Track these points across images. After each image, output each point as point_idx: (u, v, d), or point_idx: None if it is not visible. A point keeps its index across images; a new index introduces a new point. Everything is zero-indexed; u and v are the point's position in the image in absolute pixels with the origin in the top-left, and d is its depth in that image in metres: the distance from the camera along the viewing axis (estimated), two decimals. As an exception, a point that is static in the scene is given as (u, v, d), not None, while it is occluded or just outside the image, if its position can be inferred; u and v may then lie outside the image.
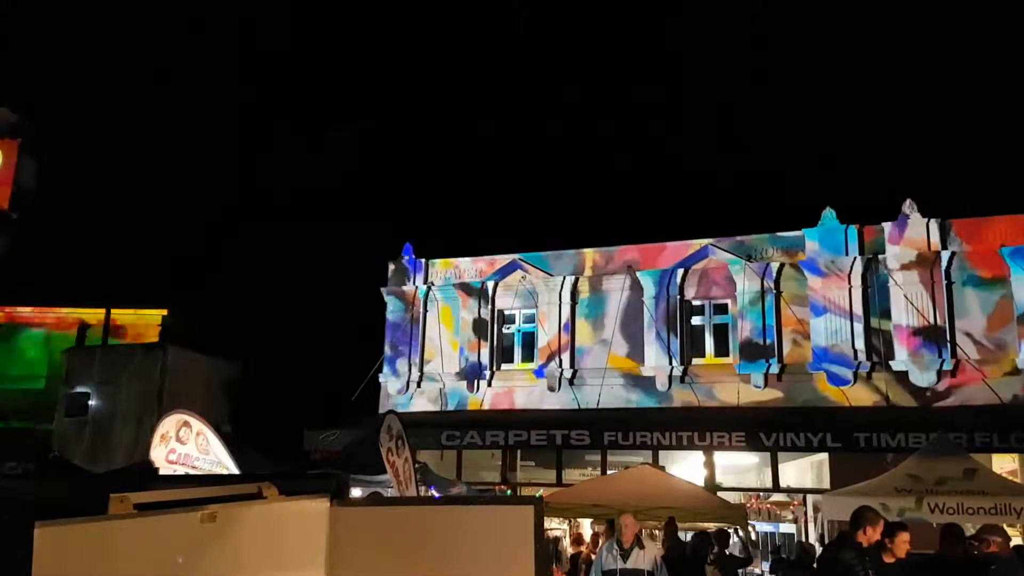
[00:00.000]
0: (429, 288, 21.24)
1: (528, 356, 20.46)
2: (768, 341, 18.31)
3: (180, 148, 45.87)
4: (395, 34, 55.17)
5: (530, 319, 20.63)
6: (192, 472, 11.06)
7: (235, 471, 11.02)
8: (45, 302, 27.99)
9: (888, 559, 6.59)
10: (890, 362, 17.43)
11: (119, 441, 20.52)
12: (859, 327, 17.70)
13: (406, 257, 21.78)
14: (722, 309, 19.23)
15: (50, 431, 22.90)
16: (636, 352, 19.34)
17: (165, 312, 27.32)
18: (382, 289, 21.66)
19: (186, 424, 11.98)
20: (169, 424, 12.08)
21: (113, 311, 25.66)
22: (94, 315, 26.64)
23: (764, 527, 18.44)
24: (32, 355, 27.97)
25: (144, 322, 27.12)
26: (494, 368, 20.42)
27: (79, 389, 22.19)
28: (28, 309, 28.22)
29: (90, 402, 21.93)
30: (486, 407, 20.05)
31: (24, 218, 30.80)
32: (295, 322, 30.74)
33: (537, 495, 13.54)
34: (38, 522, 2.53)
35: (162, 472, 11.12)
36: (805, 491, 17.88)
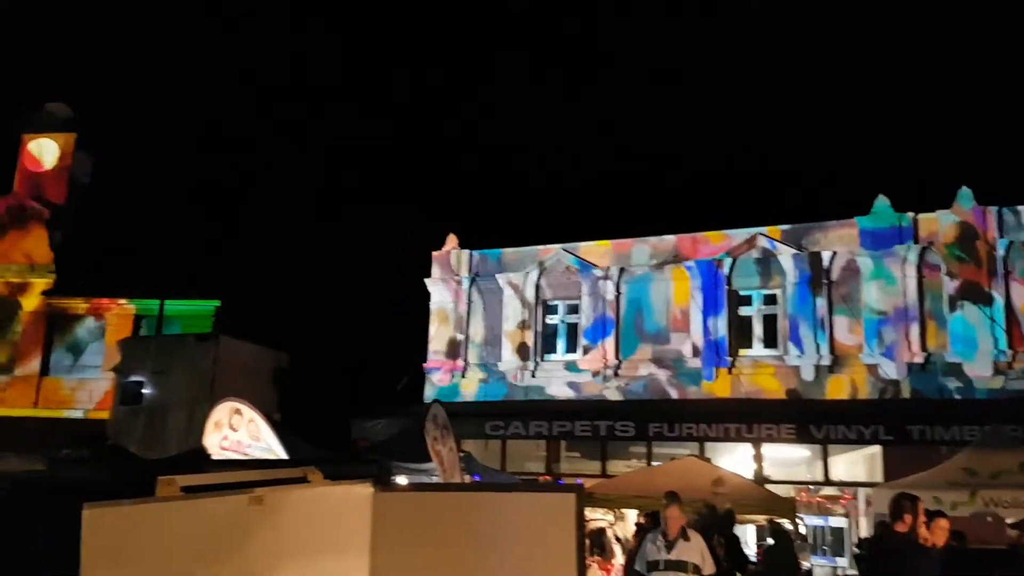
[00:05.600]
0: (473, 279, 21.30)
1: (572, 346, 20.40)
2: (819, 331, 17.98)
3: (228, 143, 46.62)
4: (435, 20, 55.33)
5: (574, 309, 20.56)
6: (243, 459, 11.24)
7: (285, 458, 11.18)
8: (101, 294, 28.71)
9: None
10: (944, 353, 17.00)
11: (173, 428, 20.98)
12: (913, 317, 17.29)
13: (449, 247, 21.86)
14: (771, 299, 18.93)
15: (106, 419, 23.54)
16: (682, 343, 19.15)
17: (218, 303, 27.83)
18: (426, 280, 21.78)
19: (238, 411, 12.17)
20: (222, 411, 12.29)
21: (167, 302, 26.22)
22: (149, 306, 27.26)
23: (814, 521, 18.19)
24: (88, 344, 28.74)
25: (197, 313, 27.67)
26: (538, 358, 20.40)
27: (134, 378, 22.72)
28: (85, 300, 28.99)
29: (144, 391, 22.44)
30: (530, 398, 20.06)
31: (80, 212, 31.61)
32: (342, 313, 31.06)
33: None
34: (87, 504, 2.60)
35: (215, 458, 11.32)
36: (856, 484, 17.56)
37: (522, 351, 20.43)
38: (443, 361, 21.07)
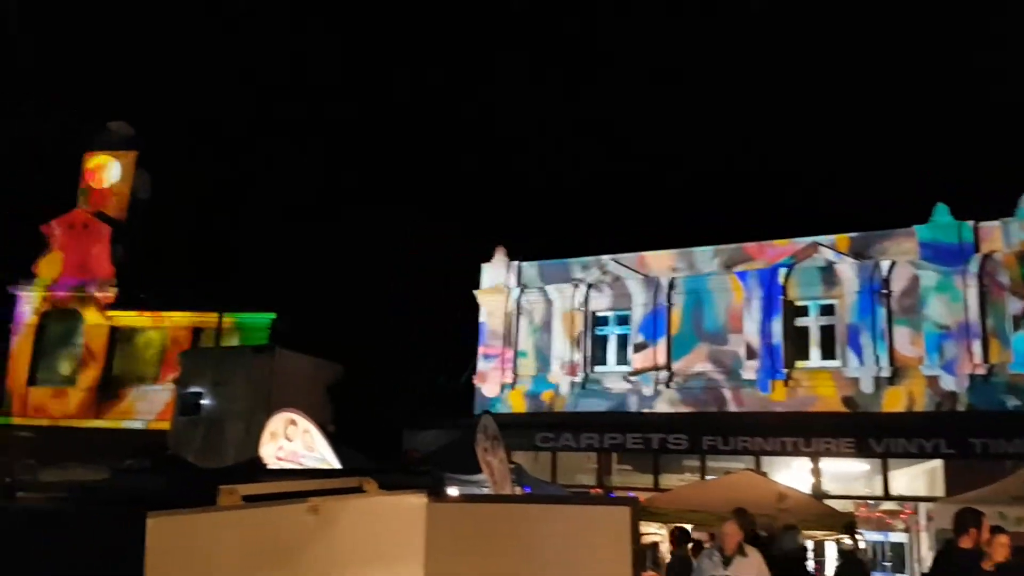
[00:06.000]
0: (522, 290, 21.32)
1: (622, 358, 20.26)
2: (877, 343, 17.57)
3: (281, 157, 47.52)
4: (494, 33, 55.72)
5: (624, 320, 20.42)
6: (298, 468, 11.40)
7: (339, 468, 11.31)
8: (162, 307, 29.46)
9: (986, 565, 6.24)
10: (1007, 364, 16.47)
11: (230, 439, 21.34)
12: (975, 327, 16.80)
13: (498, 260, 21.91)
14: (828, 310, 18.57)
15: (166, 430, 24.08)
16: (736, 354, 18.89)
17: (273, 316, 28.34)
18: (475, 292, 21.87)
19: (293, 422, 12.39)
20: (277, 422, 12.52)
21: (225, 315, 26.80)
22: (207, 319, 27.87)
23: (873, 536, 17.75)
24: (150, 357, 29.49)
25: (254, 326, 28.21)
26: (588, 370, 20.31)
27: (193, 389, 23.20)
28: (146, 313, 29.76)
29: (203, 401, 22.89)
30: (580, 409, 19.97)
31: (140, 228, 32.51)
32: (393, 325, 31.38)
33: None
34: (150, 513, 2.65)
35: (271, 468, 11.50)
36: (917, 499, 17.09)
37: (572, 361, 20.36)
38: (491, 373, 21.10)
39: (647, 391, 19.44)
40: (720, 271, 19.39)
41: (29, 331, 30.41)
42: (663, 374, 19.34)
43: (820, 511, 12.91)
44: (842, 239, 18.51)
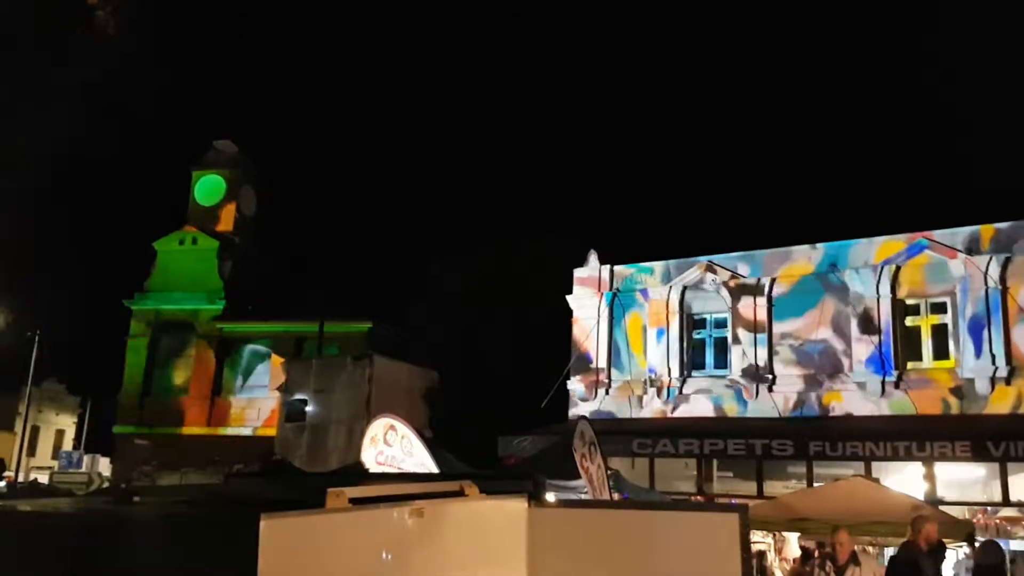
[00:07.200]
0: (615, 294, 21.09)
1: (721, 362, 19.80)
2: (994, 342, 16.64)
3: (379, 176, 48.72)
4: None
5: (722, 323, 19.95)
6: (398, 473, 11.58)
7: (437, 472, 11.43)
8: (267, 318, 30.54)
9: None
10: None
11: (333, 444, 21.92)
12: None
13: (591, 264, 21.74)
14: (940, 308, 17.70)
15: (272, 436, 24.91)
16: (843, 356, 18.20)
17: (371, 324, 28.98)
18: (568, 297, 21.74)
19: (392, 428, 12.63)
20: (377, 427, 12.78)
21: (325, 324, 27.58)
22: (310, 328, 28.73)
23: (995, 545, 16.75)
24: (256, 367, 30.59)
25: (352, 334, 28.92)
26: (685, 374, 19.92)
27: (297, 397, 23.94)
28: (252, 324, 30.89)
29: (307, 408, 23.60)
30: (678, 415, 19.59)
31: (246, 242, 33.80)
32: (486, 331, 31.62)
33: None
34: (264, 515, 2.71)
35: (372, 472, 11.72)
36: (1040, 506, 16.08)
37: (669, 365, 20.01)
38: (586, 378, 20.94)
39: (748, 395, 18.92)
40: (824, 269, 18.73)
41: (143, 343, 32.02)
42: (765, 377, 18.80)
43: (940, 519, 12.29)
44: (987, 229, 17.52)
